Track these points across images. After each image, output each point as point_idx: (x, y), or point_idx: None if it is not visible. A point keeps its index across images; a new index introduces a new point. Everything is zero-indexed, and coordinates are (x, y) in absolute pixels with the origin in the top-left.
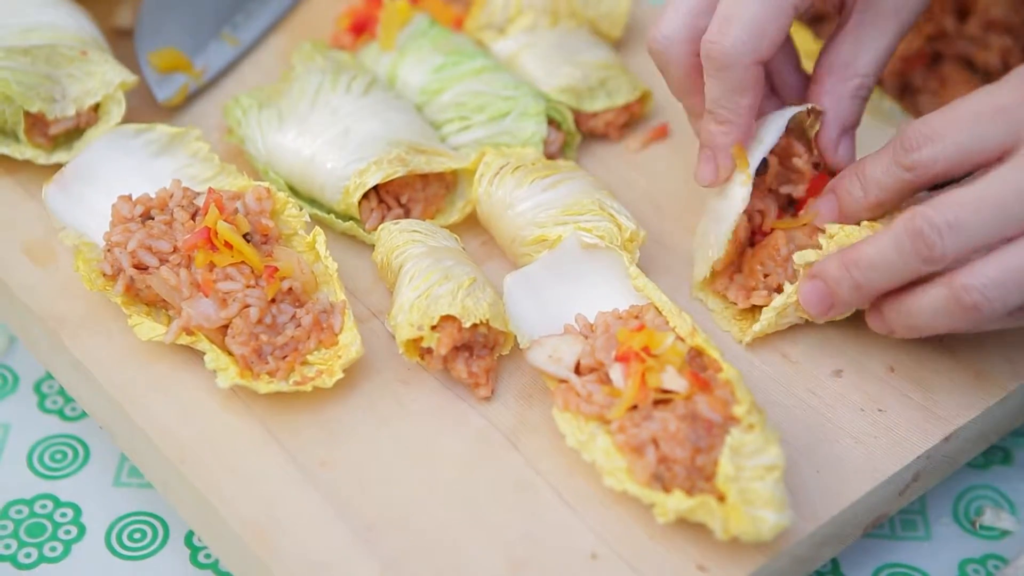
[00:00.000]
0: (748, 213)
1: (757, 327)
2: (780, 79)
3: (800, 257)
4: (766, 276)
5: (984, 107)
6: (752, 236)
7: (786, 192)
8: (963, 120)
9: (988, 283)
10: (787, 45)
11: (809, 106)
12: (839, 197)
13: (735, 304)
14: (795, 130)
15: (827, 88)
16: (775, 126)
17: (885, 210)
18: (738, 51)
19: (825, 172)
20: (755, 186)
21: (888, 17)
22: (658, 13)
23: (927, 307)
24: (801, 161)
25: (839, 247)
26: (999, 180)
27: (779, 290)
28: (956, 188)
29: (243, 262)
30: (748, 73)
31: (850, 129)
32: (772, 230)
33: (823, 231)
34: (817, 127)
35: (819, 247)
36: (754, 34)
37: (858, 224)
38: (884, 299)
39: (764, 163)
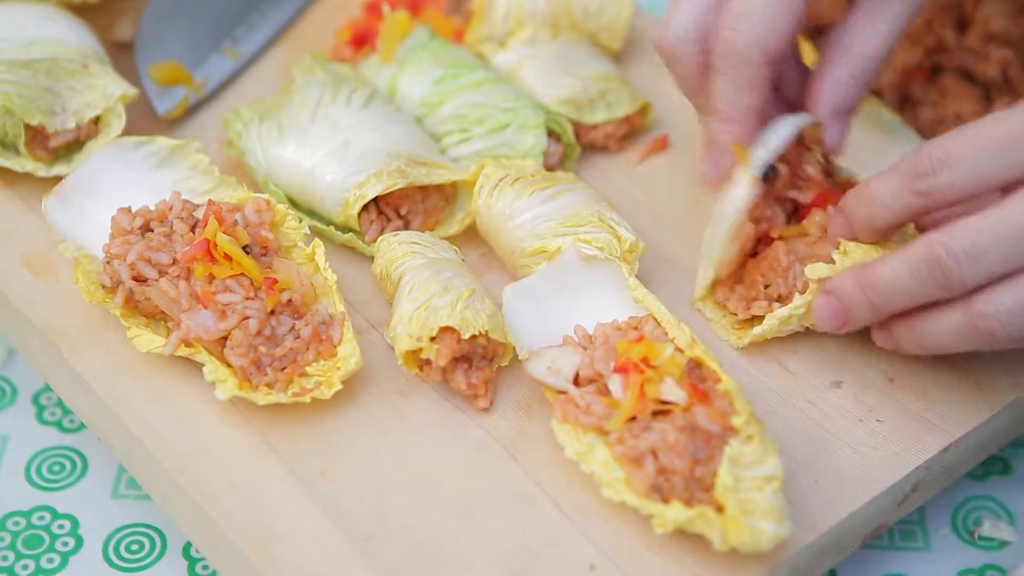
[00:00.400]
0: (755, 220)
1: (757, 331)
2: (783, 76)
3: (813, 271)
4: (766, 287)
5: (1000, 133)
6: (756, 245)
7: (793, 197)
8: (978, 146)
9: (1005, 311)
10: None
11: (817, 120)
12: (849, 218)
13: (735, 315)
14: (807, 137)
15: (827, 69)
16: (781, 132)
17: (895, 231)
18: (750, 48)
19: (834, 185)
20: (763, 194)
21: (898, 2)
22: (665, 13)
23: (942, 330)
24: (812, 168)
25: (853, 263)
26: (1017, 208)
27: (779, 300)
28: (973, 215)
29: (242, 274)
30: (758, 71)
31: (844, 112)
32: (773, 240)
33: (838, 247)
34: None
35: (824, 259)
36: (766, 31)
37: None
38: (895, 318)
39: (775, 171)
